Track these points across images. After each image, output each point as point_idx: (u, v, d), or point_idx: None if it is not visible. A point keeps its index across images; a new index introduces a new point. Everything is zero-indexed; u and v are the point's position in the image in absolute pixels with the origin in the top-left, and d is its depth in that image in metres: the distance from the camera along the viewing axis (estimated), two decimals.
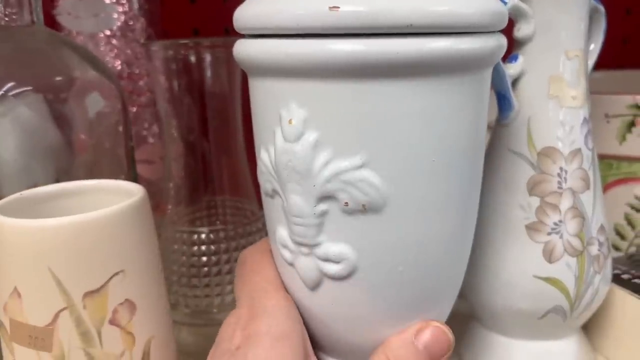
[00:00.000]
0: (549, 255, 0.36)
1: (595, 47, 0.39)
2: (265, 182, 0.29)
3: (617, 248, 0.50)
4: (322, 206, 0.27)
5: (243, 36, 0.29)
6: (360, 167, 0.26)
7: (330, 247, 0.28)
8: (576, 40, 0.35)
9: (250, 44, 0.27)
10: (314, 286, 0.29)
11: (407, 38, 0.24)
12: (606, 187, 0.50)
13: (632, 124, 0.47)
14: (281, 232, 0.29)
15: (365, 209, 0.27)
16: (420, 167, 0.27)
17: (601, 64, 0.40)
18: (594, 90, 0.43)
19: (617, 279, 0.41)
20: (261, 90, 0.28)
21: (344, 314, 0.30)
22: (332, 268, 0.28)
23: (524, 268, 0.37)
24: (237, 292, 0.30)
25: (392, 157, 0.26)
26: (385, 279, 0.29)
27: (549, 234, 0.36)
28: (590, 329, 0.43)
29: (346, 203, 0.27)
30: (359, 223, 0.27)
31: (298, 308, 0.30)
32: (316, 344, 0.32)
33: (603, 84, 0.53)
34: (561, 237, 0.36)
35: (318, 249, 0.28)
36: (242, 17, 0.28)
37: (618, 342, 0.42)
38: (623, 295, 0.41)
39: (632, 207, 0.49)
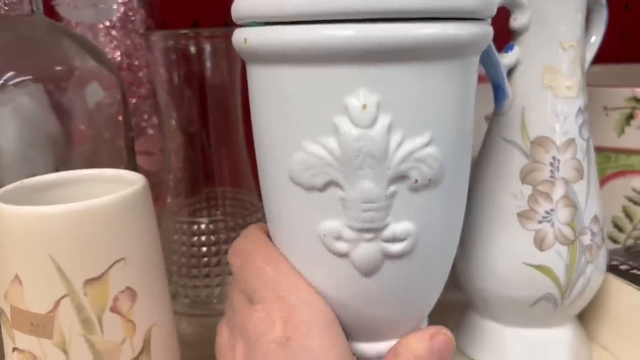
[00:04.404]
0: (539, 243, 0.37)
1: (596, 40, 0.39)
2: (315, 175, 0.29)
3: (615, 240, 0.50)
4: (393, 187, 0.28)
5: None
6: (428, 144, 0.28)
7: (397, 227, 0.29)
8: (572, 31, 0.35)
9: (302, 30, 0.27)
10: (371, 271, 0.30)
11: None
12: (604, 180, 0.50)
13: (630, 117, 0.47)
14: (332, 225, 0.29)
15: (430, 183, 0.29)
16: (460, 142, 0.30)
17: (600, 58, 0.40)
18: (593, 83, 0.43)
19: (615, 270, 0.42)
20: (303, 82, 0.28)
21: (397, 291, 0.31)
22: (397, 247, 0.29)
23: (515, 255, 0.37)
24: (247, 284, 0.30)
25: (447, 132, 0.29)
26: (438, 251, 0.31)
27: (540, 222, 0.36)
28: (586, 318, 0.43)
29: (416, 180, 0.28)
30: (421, 199, 0.29)
31: (338, 300, 0.31)
32: (347, 332, 0.32)
33: (602, 77, 0.53)
34: (552, 225, 0.36)
35: (385, 231, 0.29)
36: (274, 3, 0.27)
37: (614, 332, 0.42)
38: (619, 285, 0.41)
39: (630, 200, 0.49)
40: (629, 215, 0.49)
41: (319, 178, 0.29)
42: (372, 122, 0.27)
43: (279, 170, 0.30)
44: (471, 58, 0.29)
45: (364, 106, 0.27)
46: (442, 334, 0.30)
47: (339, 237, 0.29)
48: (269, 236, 0.32)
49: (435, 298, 0.34)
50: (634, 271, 0.41)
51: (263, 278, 0.30)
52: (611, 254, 0.45)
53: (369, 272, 0.30)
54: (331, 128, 0.28)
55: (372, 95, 0.27)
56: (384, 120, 0.27)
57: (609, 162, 0.49)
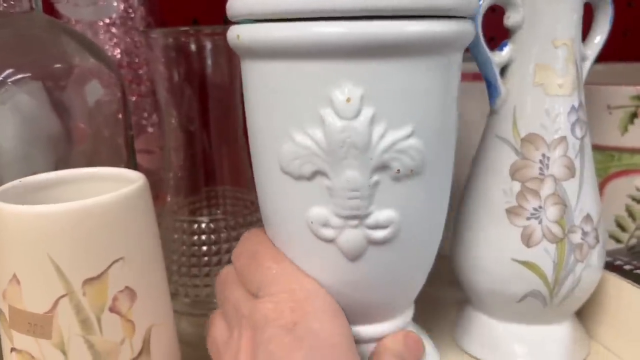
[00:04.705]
0: (527, 240, 0.37)
1: (600, 38, 0.39)
2: (303, 164, 0.30)
3: (617, 240, 0.50)
4: (376, 177, 0.30)
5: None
6: (410, 135, 0.30)
7: (380, 215, 0.31)
8: (566, 29, 0.36)
9: (293, 27, 0.28)
10: (356, 256, 0.32)
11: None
12: (607, 179, 0.49)
13: (634, 115, 0.47)
14: (319, 212, 0.31)
15: (412, 174, 0.30)
16: (442, 134, 0.31)
17: (602, 56, 0.40)
18: (595, 82, 0.43)
19: (619, 270, 0.42)
20: (292, 75, 0.29)
21: (381, 277, 0.33)
22: (380, 234, 0.31)
23: (503, 251, 0.38)
24: (253, 282, 0.31)
25: (429, 125, 0.30)
26: (420, 239, 0.33)
27: (528, 218, 0.37)
28: (585, 316, 0.43)
29: (398, 170, 0.30)
30: (404, 188, 0.31)
31: (327, 285, 0.32)
32: None
33: (603, 76, 0.53)
34: (540, 222, 0.36)
35: (368, 218, 0.31)
36: (265, 1, 0.29)
37: (614, 330, 0.42)
38: (619, 283, 0.41)
39: (634, 199, 0.49)
40: (632, 215, 0.49)
41: (306, 167, 0.30)
42: (356, 114, 0.29)
43: (270, 161, 0.32)
44: (454, 54, 0.31)
45: (348, 99, 0.28)
46: (411, 334, 0.35)
47: (325, 224, 0.31)
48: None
49: (420, 284, 0.36)
50: (638, 271, 0.41)
51: (270, 275, 0.31)
52: (614, 253, 0.45)
53: (354, 257, 0.32)
54: (318, 120, 0.29)
55: (357, 89, 0.28)
56: (367, 113, 0.29)
57: (612, 161, 0.49)
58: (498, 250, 0.38)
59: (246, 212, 0.45)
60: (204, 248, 0.44)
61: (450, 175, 0.34)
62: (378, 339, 0.36)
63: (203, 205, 0.46)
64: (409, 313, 0.38)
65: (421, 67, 0.29)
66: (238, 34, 0.30)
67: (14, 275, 0.27)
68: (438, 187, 0.33)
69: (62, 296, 0.26)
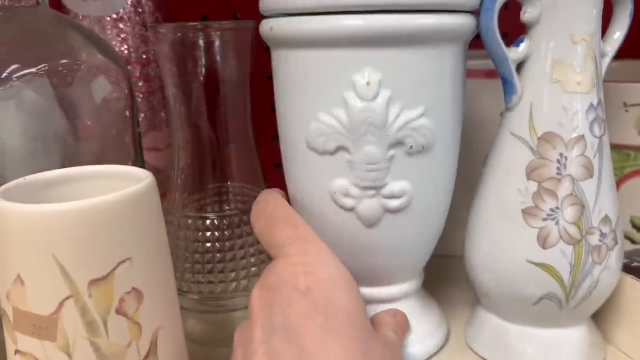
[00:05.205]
0: (543, 241, 0.36)
1: (620, 34, 0.38)
2: (327, 141, 0.34)
3: (632, 241, 0.49)
4: (391, 152, 0.34)
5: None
6: (421, 115, 0.34)
7: (395, 185, 0.35)
8: (584, 24, 0.35)
9: (320, 20, 0.32)
10: (373, 223, 0.36)
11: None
12: (623, 179, 0.48)
13: None
14: (341, 183, 0.35)
15: (423, 149, 0.35)
16: (450, 115, 0.36)
17: (619, 53, 0.39)
18: (611, 79, 0.42)
19: (636, 272, 0.41)
20: (320, 62, 0.34)
21: (395, 242, 0.38)
22: (395, 202, 0.35)
23: (518, 252, 0.37)
24: (272, 242, 0.34)
25: (438, 106, 0.35)
26: (429, 208, 0.38)
27: (545, 219, 0.36)
28: (601, 318, 0.42)
29: (411, 146, 0.34)
30: (416, 162, 0.35)
31: (346, 249, 0.37)
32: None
33: (620, 73, 0.52)
34: (557, 223, 0.36)
35: (384, 189, 0.35)
36: None
37: (632, 333, 0.41)
38: (637, 285, 0.40)
39: None
40: None
41: (330, 143, 0.35)
42: (375, 96, 0.33)
43: (298, 138, 0.36)
44: (460, 44, 0.35)
45: (368, 83, 0.33)
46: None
47: (346, 194, 0.35)
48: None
49: (428, 252, 0.41)
50: None
51: (285, 236, 0.33)
52: (631, 254, 0.44)
53: (371, 223, 0.36)
54: (341, 101, 0.33)
55: (375, 74, 0.33)
56: (384, 95, 0.33)
57: (628, 160, 0.48)
58: (513, 252, 0.37)
59: None
60: (211, 245, 0.43)
61: (456, 154, 0.38)
62: (390, 301, 0.41)
63: (211, 202, 0.45)
64: (419, 280, 0.42)
65: (431, 54, 0.33)
66: (271, 26, 0.35)
67: (18, 276, 0.26)
68: (446, 162, 0.37)
69: (67, 297, 0.26)
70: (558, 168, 0.35)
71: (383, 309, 0.40)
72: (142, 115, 0.52)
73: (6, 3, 0.36)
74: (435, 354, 0.42)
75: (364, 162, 0.34)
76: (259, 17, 0.45)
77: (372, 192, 0.35)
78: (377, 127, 0.33)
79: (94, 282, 0.26)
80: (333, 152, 0.35)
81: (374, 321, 0.36)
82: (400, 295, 0.41)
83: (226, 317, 0.45)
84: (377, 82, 0.33)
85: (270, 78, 0.62)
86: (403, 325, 0.38)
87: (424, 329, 0.42)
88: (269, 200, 0.36)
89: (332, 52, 0.33)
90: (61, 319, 0.26)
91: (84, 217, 0.25)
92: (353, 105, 0.33)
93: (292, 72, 0.35)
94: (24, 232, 0.25)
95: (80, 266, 0.26)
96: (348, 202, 0.35)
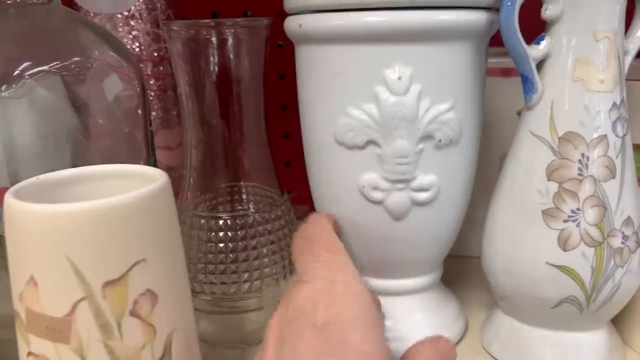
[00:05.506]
0: (563, 243, 0.35)
1: None
2: (357, 135, 0.35)
3: None
4: (421, 145, 0.35)
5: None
6: (450, 109, 0.35)
7: (423, 179, 0.36)
8: (608, 22, 0.34)
9: (345, 16, 0.33)
10: (401, 216, 0.37)
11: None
12: None
13: None
14: (370, 177, 0.36)
15: (450, 143, 0.35)
16: (474, 108, 0.37)
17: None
18: (633, 77, 0.41)
19: None
20: (349, 58, 0.34)
21: (422, 234, 0.38)
22: (423, 195, 0.36)
23: (538, 254, 0.36)
24: (303, 266, 0.32)
25: (464, 100, 0.36)
26: (454, 200, 0.39)
27: (565, 221, 0.35)
28: (622, 322, 0.42)
29: (440, 140, 0.35)
30: (443, 155, 0.36)
31: (373, 242, 0.38)
32: (376, 270, 0.40)
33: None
34: (578, 225, 0.35)
35: (413, 182, 0.36)
36: None
37: None
38: None
39: None
40: None
41: (360, 138, 0.35)
42: (406, 91, 0.34)
43: (325, 133, 0.37)
44: (482, 40, 0.36)
45: (399, 78, 0.33)
46: (444, 340, 0.32)
47: (375, 188, 0.36)
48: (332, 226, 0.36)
49: (450, 243, 0.42)
50: None
51: (318, 261, 0.31)
52: None
53: (399, 216, 0.37)
54: (372, 96, 0.34)
55: (406, 69, 0.33)
56: (415, 89, 0.34)
57: None
58: (532, 254, 0.36)
59: (267, 209, 0.44)
60: (224, 245, 0.42)
61: (477, 146, 0.39)
62: (410, 292, 0.41)
63: (223, 201, 0.45)
64: (439, 273, 0.43)
65: (457, 50, 0.34)
66: (300, 23, 0.35)
67: (31, 277, 0.25)
68: (469, 156, 0.38)
69: (82, 299, 0.25)
70: (579, 169, 0.34)
71: (404, 301, 0.41)
72: (154, 113, 0.52)
73: (18, 0, 0.36)
74: None
75: (394, 155, 0.35)
76: (270, 14, 0.45)
77: (402, 185, 0.36)
78: (407, 121, 0.34)
79: (108, 284, 0.25)
80: (363, 147, 0.35)
81: (410, 354, 0.31)
82: (421, 287, 0.42)
83: (238, 318, 0.44)
84: (408, 76, 0.33)
85: (281, 77, 0.62)
86: (448, 357, 0.32)
87: (441, 322, 0.42)
88: (313, 222, 0.36)
89: (362, 48, 0.34)
90: (75, 321, 0.25)
91: (99, 218, 0.25)
92: (384, 100, 0.34)
93: (320, 68, 0.36)
94: (38, 233, 0.25)
95: (94, 267, 0.25)
96: (377, 195, 0.36)
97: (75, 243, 0.25)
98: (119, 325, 0.26)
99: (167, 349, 0.28)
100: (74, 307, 0.25)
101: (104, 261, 0.25)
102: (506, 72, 0.50)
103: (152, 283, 0.27)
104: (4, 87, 0.33)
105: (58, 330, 0.26)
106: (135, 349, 0.27)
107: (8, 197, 0.26)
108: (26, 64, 0.34)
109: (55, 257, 0.25)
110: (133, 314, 0.26)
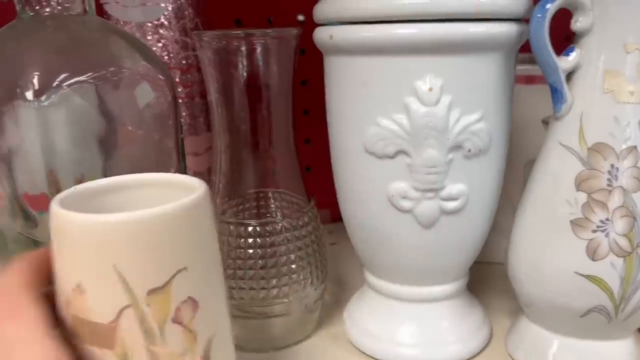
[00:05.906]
0: (592, 253, 0.35)
1: None
2: (387, 145, 0.35)
3: None
4: (451, 155, 0.35)
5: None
6: (480, 120, 0.35)
7: (453, 188, 0.36)
8: (638, 34, 0.34)
9: (381, 28, 0.34)
10: (430, 225, 0.37)
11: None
12: None
13: None
14: (399, 186, 0.36)
15: (480, 153, 0.36)
16: (503, 118, 0.37)
17: None
18: None
19: None
20: (380, 69, 0.35)
21: (450, 243, 0.39)
22: (452, 204, 0.37)
23: (566, 263, 0.36)
24: None
25: (494, 110, 0.36)
26: (482, 209, 0.39)
27: (594, 231, 0.35)
28: None
29: (469, 150, 0.36)
30: (473, 165, 0.36)
31: (401, 250, 0.38)
32: (404, 277, 0.41)
33: None
34: (607, 235, 0.35)
35: (443, 191, 0.36)
36: (355, 5, 0.34)
37: None
38: None
39: None
40: None
41: (390, 148, 0.36)
42: (437, 102, 0.34)
43: (354, 143, 0.37)
44: (512, 51, 0.36)
45: (430, 89, 0.34)
46: None
47: (405, 197, 0.37)
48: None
49: (477, 251, 0.42)
50: None
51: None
52: None
53: (428, 225, 0.37)
54: (402, 106, 0.35)
55: (437, 80, 0.34)
56: (445, 100, 0.34)
57: None
58: (560, 263, 0.37)
59: (295, 216, 0.44)
60: (251, 251, 0.43)
61: (505, 156, 0.40)
62: (437, 300, 0.42)
63: (251, 207, 0.46)
64: (465, 280, 0.44)
65: (486, 61, 0.35)
66: (331, 34, 0.36)
67: (78, 285, 0.26)
68: (498, 165, 0.39)
69: (127, 307, 0.26)
70: (609, 179, 0.35)
71: (430, 308, 0.42)
72: (182, 120, 0.53)
73: (55, 12, 0.36)
74: (477, 354, 0.43)
75: (424, 165, 0.35)
76: (292, 22, 0.45)
77: (431, 194, 0.36)
78: (438, 132, 0.34)
79: (152, 292, 0.26)
80: (392, 156, 0.36)
81: None
82: (449, 294, 0.42)
83: (264, 323, 0.45)
84: (439, 88, 0.34)
85: (303, 82, 0.62)
86: None
87: (467, 329, 0.42)
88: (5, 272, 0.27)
89: (392, 59, 0.34)
90: (120, 327, 0.26)
91: (145, 227, 0.25)
92: (415, 111, 0.34)
93: (350, 79, 0.36)
94: (85, 242, 0.25)
95: (139, 276, 0.26)
96: (406, 204, 0.37)
97: (122, 252, 0.25)
98: (162, 332, 0.27)
99: (207, 354, 0.29)
100: (119, 314, 0.26)
101: (148, 270, 0.26)
102: (530, 80, 0.50)
103: (193, 290, 0.28)
104: (44, 97, 0.34)
105: (103, 336, 0.26)
106: (177, 354, 0.27)
107: (55, 207, 0.26)
108: (64, 74, 0.35)
109: (102, 266, 0.25)
110: (175, 320, 0.27)
